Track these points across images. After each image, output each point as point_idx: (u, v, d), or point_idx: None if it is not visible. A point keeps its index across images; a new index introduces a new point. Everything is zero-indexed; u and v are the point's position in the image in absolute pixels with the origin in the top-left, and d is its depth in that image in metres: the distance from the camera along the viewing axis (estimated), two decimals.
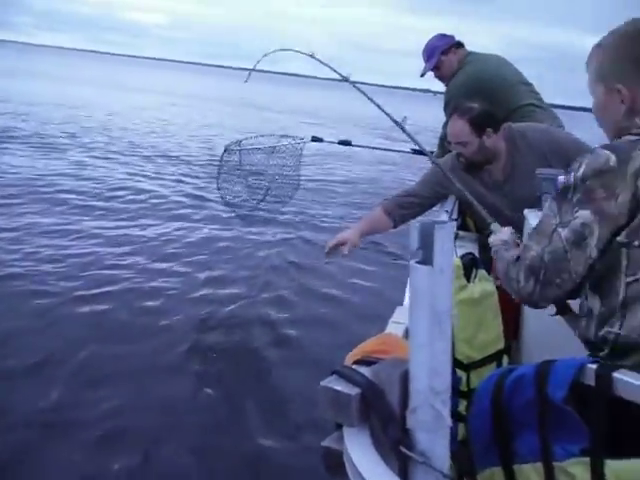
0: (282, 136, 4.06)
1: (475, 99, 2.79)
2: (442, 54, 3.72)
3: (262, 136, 4.00)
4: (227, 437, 2.80)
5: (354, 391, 0.99)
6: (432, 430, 0.96)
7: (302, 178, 4.34)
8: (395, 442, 0.95)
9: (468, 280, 2.12)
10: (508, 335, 2.23)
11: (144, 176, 9.08)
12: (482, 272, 2.17)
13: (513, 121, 2.91)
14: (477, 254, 2.43)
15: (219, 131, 16.42)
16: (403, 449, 0.95)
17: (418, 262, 0.94)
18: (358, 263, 5.48)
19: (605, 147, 1.29)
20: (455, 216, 2.86)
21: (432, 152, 3.61)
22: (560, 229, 1.27)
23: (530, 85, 3.58)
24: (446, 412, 0.96)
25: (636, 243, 1.22)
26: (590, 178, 1.25)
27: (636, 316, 1.23)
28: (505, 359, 2.19)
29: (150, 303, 4.28)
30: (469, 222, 3.12)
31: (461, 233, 2.91)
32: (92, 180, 8.29)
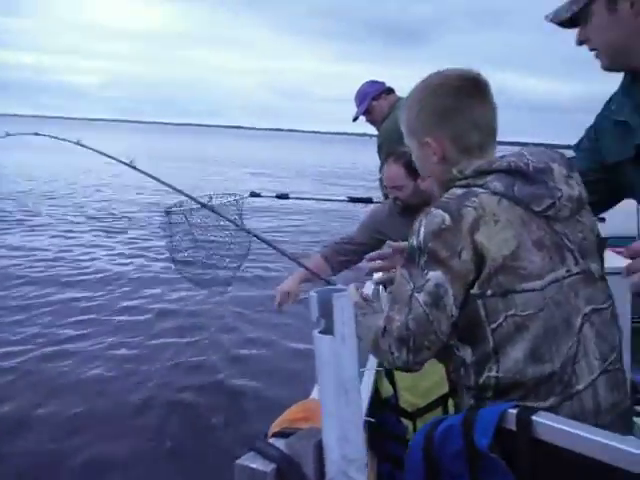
0: (221, 195, 4.04)
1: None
2: (373, 99, 3.87)
3: (202, 196, 3.97)
4: None
5: (269, 467, 0.98)
6: None
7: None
8: None
9: None
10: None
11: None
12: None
13: None
14: None
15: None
16: None
17: (320, 332, 0.95)
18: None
19: (438, 207, 1.32)
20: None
21: (370, 198, 3.68)
22: (417, 294, 1.29)
23: None
24: (362, 478, 0.96)
25: (489, 292, 1.26)
26: (431, 240, 1.28)
27: (509, 357, 1.27)
28: (451, 402, 2.19)
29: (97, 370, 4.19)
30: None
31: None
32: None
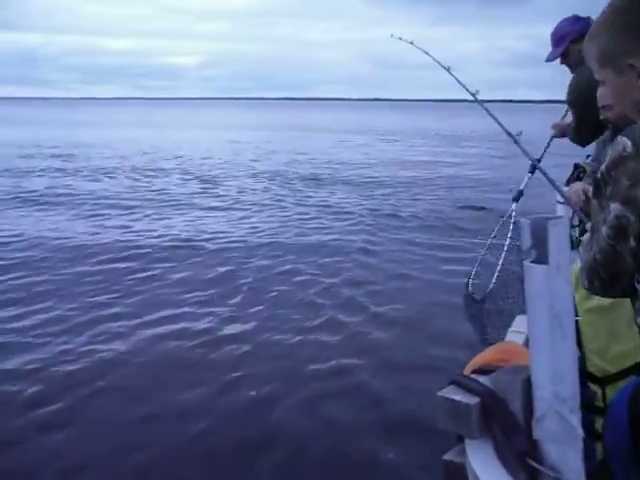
0: None
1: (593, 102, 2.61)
2: (572, 42, 3.40)
3: None
4: None
5: (473, 400, 0.95)
6: (562, 441, 0.89)
7: None
8: (521, 454, 0.89)
9: None
10: None
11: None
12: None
13: None
14: None
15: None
16: (531, 462, 0.89)
17: (532, 261, 0.89)
18: None
19: (623, 134, 1.24)
20: (576, 222, 2.69)
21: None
22: (602, 227, 1.23)
23: None
24: (576, 421, 0.89)
25: None
26: (613, 169, 1.21)
27: None
28: None
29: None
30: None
31: (584, 239, 2.75)
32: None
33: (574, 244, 2.48)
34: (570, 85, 3.39)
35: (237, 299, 5.13)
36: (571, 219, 2.60)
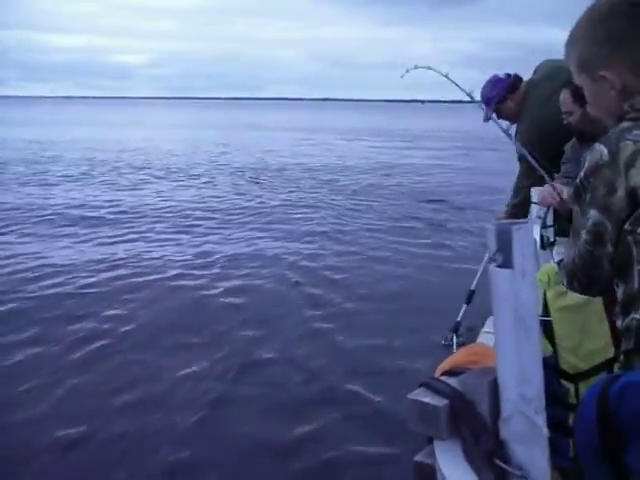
0: None
1: (545, 141, 3.03)
2: (498, 103, 3.64)
3: None
4: None
5: (442, 402, 0.97)
6: (528, 441, 0.92)
7: None
8: (489, 454, 0.92)
9: None
10: (620, 343, 2.09)
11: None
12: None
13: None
14: None
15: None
16: (498, 462, 0.91)
17: (498, 266, 0.91)
18: None
19: (600, 141, 1.24)
20: (550, 222, 2.74)
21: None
22: (582, 232, 1.27)
23: None
24: (541, 421, 0.91)
25: (639, 230, 1.17)
26: (591, 176, 1.23)
27: None
28: (617, 368, 2.05)
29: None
30: (566, 227, 2.98)
31: (559, 239, 2.80)
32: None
33: (545, 244, 2.53)
34: (517, 136, 3.51)
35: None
36: (544, 219, 2.65)
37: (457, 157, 18.56)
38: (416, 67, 2.95)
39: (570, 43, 1.38)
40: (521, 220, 0.93)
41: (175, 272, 5.78)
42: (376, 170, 14.87)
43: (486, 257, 3.77)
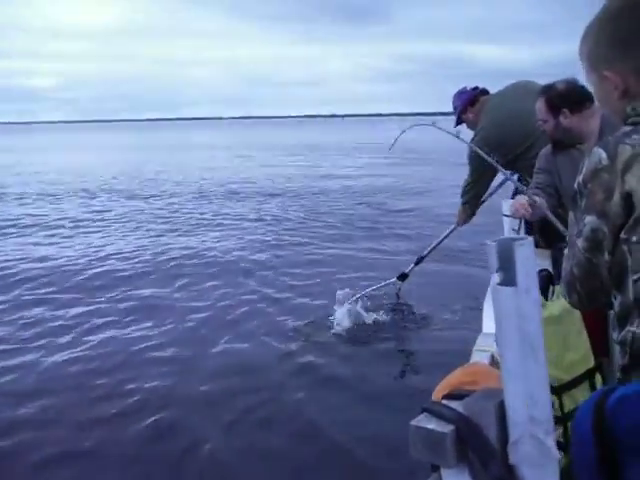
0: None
1: (496, 151, 3.20)
2: (461, 113, 3.97)
3: None
4: None
5: (448, 428, 0.92)
6: (539, 464, 0.88)
7: None
8: None
9: (546, 298, 2.02)
10: (598, 352, 2.10)
11: None
12: (559, 288, 2.06)
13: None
14: (552, 270, 2.31)
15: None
16: None
17: (500, 284, 0.88)
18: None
19: (599, 145, 1.24)
20: (522, 234, 2.75)
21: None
22: (577, 240, 1.24)
23: None
24: (551, 443, 0.88)
25: (634, 239, 1.15)
26: (589, 181, 1.21)
27: None
28: (598, 378, 2.06)
29: None
30: (538, 238, 3.01)
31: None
32: None
33: None
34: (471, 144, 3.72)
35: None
36: (517, 232, 2.66)
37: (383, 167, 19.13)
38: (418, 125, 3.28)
39: (582, 40, 1.36)
40: (521, 236, 0.91)
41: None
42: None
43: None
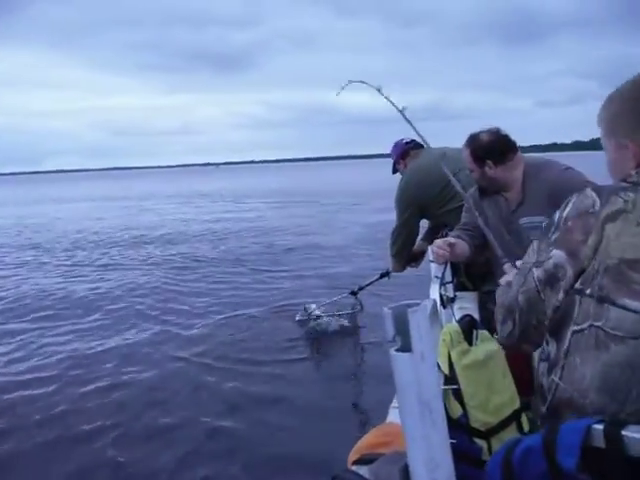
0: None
1: (409, 208, 3.68)
2: (396, 163, 4.16)
3: None
4: None
5: None
6: None
7: None
8: None
9: (470, 344, 2.06)
10: (523, 392, 2.14)
11: None
12: (483, 332, 2.10)
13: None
14: (477, 313, 2.35)
15: None
16: None
17: (397, 350, 0.90)
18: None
19: (594, 188, 1.26)
20: (449, 278, 2.80)
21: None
22: (534, 269, 1.25)
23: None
24: None
25: (588, 291, 1.16)
26: (572, 219, 1.22)
27: (576, 369, 1.17)
28: (524, 418, 2.09)
29: None
30: (465, 281, 3.07)
31: (459, 294, 2.84)
32: None
33: (445, 302, 2.57)
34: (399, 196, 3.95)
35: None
36: (442, 276, 2.70)
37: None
38: (350, 82, 3.10)
39: (604, 107, 1.38)
40: (415, 301, 0.93)
41: None
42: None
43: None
